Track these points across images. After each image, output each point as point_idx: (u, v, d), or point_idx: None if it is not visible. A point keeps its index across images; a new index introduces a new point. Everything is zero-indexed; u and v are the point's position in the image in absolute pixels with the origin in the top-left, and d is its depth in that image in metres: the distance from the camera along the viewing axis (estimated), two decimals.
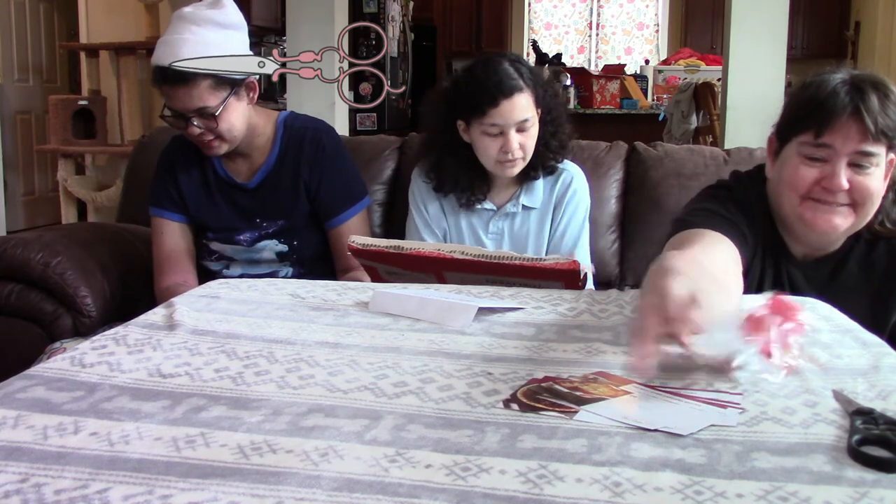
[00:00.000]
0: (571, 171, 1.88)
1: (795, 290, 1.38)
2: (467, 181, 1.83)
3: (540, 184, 1.86)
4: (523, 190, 1.85)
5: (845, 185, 1.30)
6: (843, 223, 1.33)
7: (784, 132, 1.38)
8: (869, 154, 1.29)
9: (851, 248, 1.42)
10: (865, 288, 1.41)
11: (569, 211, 1.84)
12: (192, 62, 1.68)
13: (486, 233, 1.86)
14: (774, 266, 1.42)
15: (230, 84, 1.74)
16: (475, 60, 1.82)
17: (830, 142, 1.29)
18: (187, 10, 1.74)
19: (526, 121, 1.73)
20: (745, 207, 1.40)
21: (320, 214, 1.90)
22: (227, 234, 1.89)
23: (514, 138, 1.73)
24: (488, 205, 1.86)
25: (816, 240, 1.39)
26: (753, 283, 1.38)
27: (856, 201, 1.32)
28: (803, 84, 1.37)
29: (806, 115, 1.33)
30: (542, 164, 1.83)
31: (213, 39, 1.72)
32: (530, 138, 1.76)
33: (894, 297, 1.43)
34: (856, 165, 1.30)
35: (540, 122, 1.79)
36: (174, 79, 1.69)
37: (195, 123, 1.74)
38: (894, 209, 1.41)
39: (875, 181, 1.31)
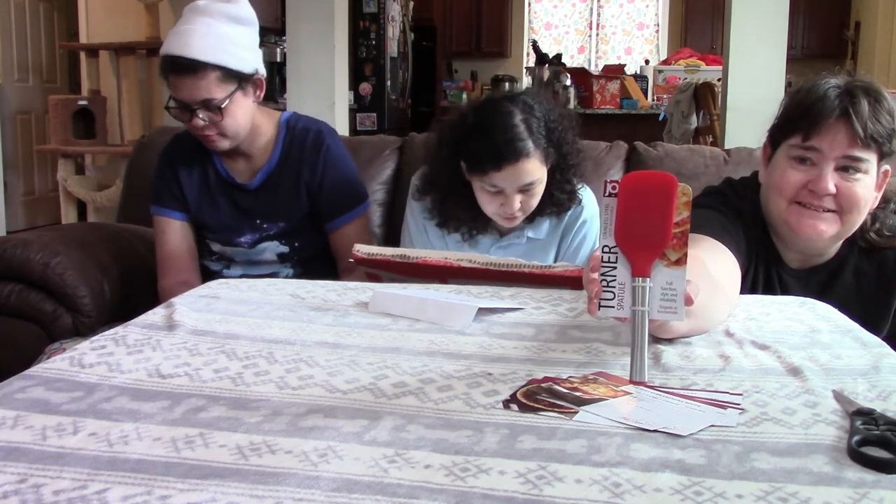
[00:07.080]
0: (583, 200, 1.78)
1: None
2: (470, 220, 1.75)
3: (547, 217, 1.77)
4: (529, 225, 1.77)
5: (832, 189, 1.27)
6: (828, 229, 1.31)
7: (776, 136, 1.37)
8: (857, 159, 1.27)
9: (846, 257, 1.40)
10: (858, 297, 1.39)
11: (577, 240, 1.77)
12: (202, 52, 1.67)
13: None
14: (767, 273, 1.40)
15: (237, 78, 1.74)
16: (487, 101, 1.71)
17: (818, 145, 1.28)
18: (202, 2, 1.73)
19: (531, 184, 1.64)
20: (739, 214, 1.39)
21: (321, 216, 1.89)
22: (228, 236, 1.89)
23: (516, 199, 1.64)
24: (492, 232, 1.79)
25: (804, 246, 1.37)
26: (747, 290, 1.36)
27: (842, 207, 1.29)
28: (796, 89, 1.35)
29: (796, 117, 1.31)
30: (548, 210, 1.74)
31: (226, 32, 1.72)
32: (534, 196, 1.67)
33: (885, 307, 1.41)
34: (843, 170, 1.28)
35: (550, 172, 1.69)
36: (182, 68, 1.68)
37: (199, 115, 1.73)
38: (890, 218, 1.40)
39: (862, 188, 1.29)
